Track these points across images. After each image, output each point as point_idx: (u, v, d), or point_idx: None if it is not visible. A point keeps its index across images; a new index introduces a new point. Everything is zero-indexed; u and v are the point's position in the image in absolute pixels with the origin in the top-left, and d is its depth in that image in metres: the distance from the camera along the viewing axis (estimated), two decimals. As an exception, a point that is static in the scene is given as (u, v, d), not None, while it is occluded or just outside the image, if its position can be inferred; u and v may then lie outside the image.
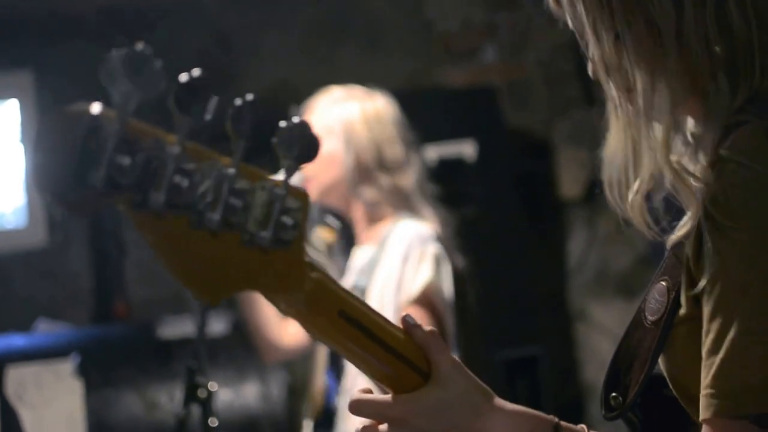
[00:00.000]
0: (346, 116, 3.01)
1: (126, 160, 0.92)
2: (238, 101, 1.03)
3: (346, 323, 1.17)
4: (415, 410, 1.24)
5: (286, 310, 1.13)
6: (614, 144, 1.40)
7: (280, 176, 1.03)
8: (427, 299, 2.88)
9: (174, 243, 0.98)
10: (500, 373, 4.62)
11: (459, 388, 1.26)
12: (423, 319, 2.85)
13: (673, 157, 1.36)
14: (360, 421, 2.83)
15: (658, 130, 1.35)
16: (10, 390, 4.32)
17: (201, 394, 3.06)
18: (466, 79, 5.61)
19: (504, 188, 4.95)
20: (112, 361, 4.47)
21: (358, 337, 1.18)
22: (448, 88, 5.57)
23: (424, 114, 4.65)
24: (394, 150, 3.01)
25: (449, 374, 1.25)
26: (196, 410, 3.09)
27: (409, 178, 3.02)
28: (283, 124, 1.06)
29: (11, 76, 5.43)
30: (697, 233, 1.28)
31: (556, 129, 5.52)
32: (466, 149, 4.82)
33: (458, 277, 3.01)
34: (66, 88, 4.22)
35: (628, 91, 1.35)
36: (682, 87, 1.33)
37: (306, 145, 1.06)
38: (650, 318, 1.38)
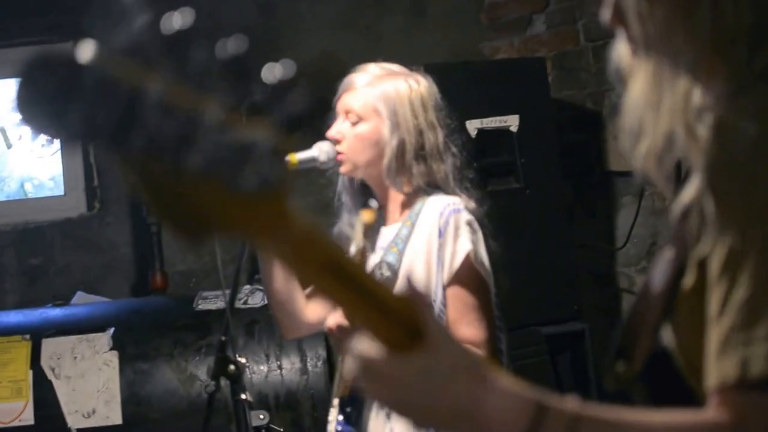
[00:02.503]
0: (393, 97, 2.96)
1: (106, 99, 0.94)
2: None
3: (332, 274, 1.14)
4: (404, 371, 1.18)
5: (271, 256, 1.12)
6: (636, 94, 1.39)
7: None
8: (470, 271, 2.86)
9: (156, 184, 0.99)
10: (544, 347, 4.54)
11: (451, 357, 1.20)
12: (468, 292, 2.85)
13: (689, 117, 1.34)
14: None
15: (680, 85, 1.34)
16: (45, 362, 4.31)
17: (230, 368, 3.00)
18: (514, 51, 5.53)
19: (550, 160, 4.88)
20: (149, 333, 4.44)
21: (346, 290, 1.15)
22: (495, 59, 5.50)
23: (470, 86, 4.61)
24: (435, 137, 2.97)
25: (442, 342, 1.20)
26: (226, 384, 3.04)
27: (447, 165, 2.98)
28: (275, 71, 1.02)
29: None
30: (700, 199, 1.25)
31: (604, 101, 5.41)
32: (512, 121, 4.74)
33: (491, 258, 2.95)
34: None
35: (655, 42, 1.34)
36: (708, 43, 1.31)
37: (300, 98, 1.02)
38: (656, 288, 1.36)
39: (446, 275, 2.84)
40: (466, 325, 2.82)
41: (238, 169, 0.98)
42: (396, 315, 1.18)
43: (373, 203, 3.00)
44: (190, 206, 1.00)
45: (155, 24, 0.97)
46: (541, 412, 1.19)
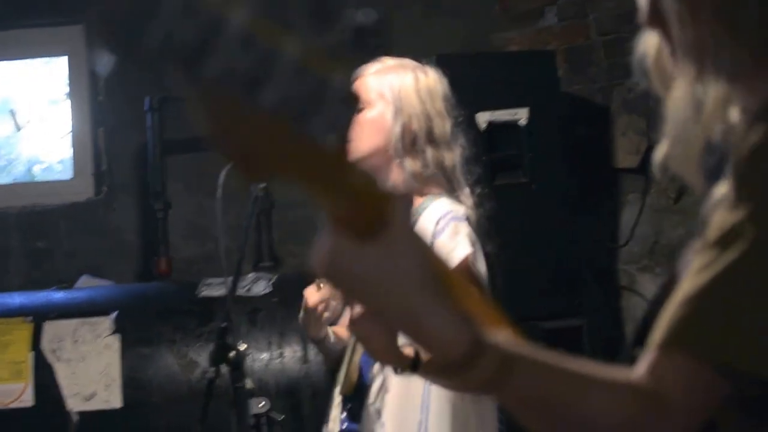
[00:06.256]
0: (398, 84, 2.98)
1: (186, 21, 0.91)
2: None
3: (380, 226, 1.12)
4: (356, 258, 1.13)
5: (324, 207, 1.10)
6: (678, 98, 1.38)
7: None
8: (467, 271, 2.82)
9: (223, 116, 0.97)
10: (541, 342, 4.53)
11: (405, 260, 1.15)
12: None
13: (730, 120, 1.33)
14: (393, 393, 2.77)
15: (720, 91, 1.33)
16: (47, 344, 4.32)
17: (230, 355, 3.01)
18: (525, 43, 5.52)
19: (557, 155, 4.86)
20: (151, 318, 4.46)
21: (353, 200, 1.11)
22: (507, 51, 5.49)
23: (480, 77, 4.60)
24: (443, 125, 2.97)
25: (403, 241, 1.15)
26: (227, 370, 3.05)
27: (454, 156, 2.98)
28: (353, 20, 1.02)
29: (61, 32, 5.41)
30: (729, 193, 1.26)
31: (613, 96, 5.40)
32: (521, 114, 4.73)
33: (488, 263, 2.93)
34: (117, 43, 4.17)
35: (696, 47, 1.32)
36: (751, 52, 1.29)
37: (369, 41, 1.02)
38: (682, 279, 1.34)
39: None
40: None
41: (310, 113, 0.97)
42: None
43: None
44: (253, 143, 0.98)
45: None
46: (477, 347, 1.18)
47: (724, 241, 1.21)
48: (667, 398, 1.21)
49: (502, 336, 1.22)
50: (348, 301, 1.21)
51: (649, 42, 1.41)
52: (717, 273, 1.20)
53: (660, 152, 1.42)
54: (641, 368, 1.24)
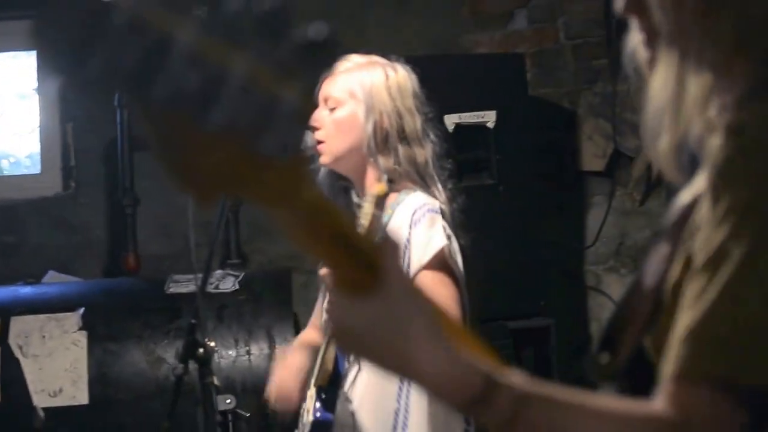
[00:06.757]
0: (369, 81, 2.98)
1: (132, 43, 0.91)
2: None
3: (340, 246, 1.13)
4: (358, 314, 1.17)
5: (278, 223, 1.10)
6: (657, 88, 1.35)
7: None
8: (443, 263, 2.84)
9: (173, 138, 0.96)
10: (509, 342, 4.56)
11: (406, 309, 1.18)
12: (442, 281, 2.82)
13: (709, 113, 1.31)
14: (360, 391, 2.79)
15: (702, 80, 1.30)
16: (13, 340, 4.31)
17: (199, 351, 3.02)
18: (494, 46, 5.54)
19: (524, 157, 4.88)
20: (119, 314, 4.45)
21: (354, 262, 1.15)
22: (475, 53, 5.51)
23: (449, 79, 4.61)
24: (414, 122, 2.98)
25: (400, 291, 1.18)
26: (194, 367, 3.06)
27: (425, 153, 2.99)
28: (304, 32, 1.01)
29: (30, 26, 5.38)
30: (703, 199, 1.23)
31: (580, 100, 5.43)
32: (489, 116, 4.76)
33: (463, 256, 2.94)
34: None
35: (677, 35, 1.30)
36: (732, 40, 1.27)
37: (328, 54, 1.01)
38: (648, 283, 1.33)
39: (415, 265, 2.82)
40: None
41: (260, 131, 0.96)
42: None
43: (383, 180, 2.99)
44: (204, 163, 0.97)
45: None
46: (491, 386, 1.19)
47: (714, 265, 1.18)
48: (694, 428, 1.18)
49: (516, 374, 1.22)
50: (357, 357, 1.22)
51: (636, 38, 1.39)
52: (715, 299, 1.17)
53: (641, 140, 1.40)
54: (660, 401, 1.20)
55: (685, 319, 1.19)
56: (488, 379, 1.19)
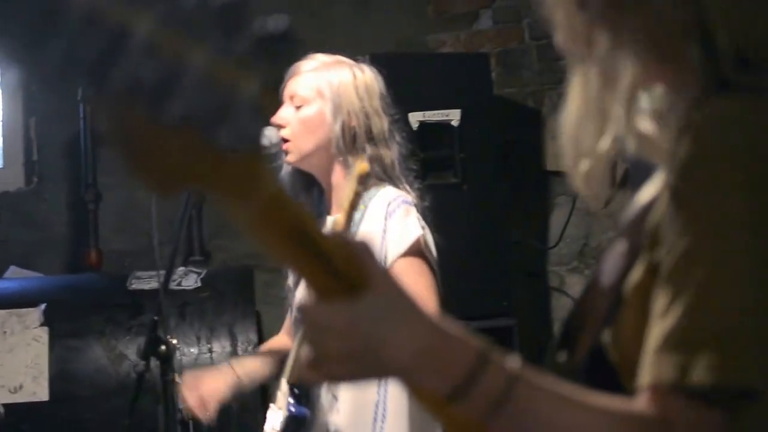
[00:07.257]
0: (336, 81, 2.97)
1: (89, 34, 0.90)
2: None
3: (297, 241, 1.11)
4: (355, 317, 1.15)
5: (237, 217, 1.09)
6: (574, 109, 1.33)
7: None
8: (420, 251, 2.85)
9: (130, 129, 0.95)
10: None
11: (401, 302, 1.18)
12: (419, 269, 2.84)
13: (641, 124, 1.30)
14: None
15: (622, 95, 1.28)
16: (-27, 335, 4.28)
17: (161, 348, 3.01)
18: (459, 45, 5.55)
19: (488, 156, 4.90)
20: (81, 310, 4.43)
21: (306, 255, 1.13)
22: (439, 52, 5.52)
23: (413, 77, 4.62)
24: (381, 123, 2.98)
25: (390, 287, 1.18)
26: (156, 364, 3.05)
27: (392, 154, 2.98)
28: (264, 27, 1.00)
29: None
30: (660, 200, 1.23)
31: (545, 100, 5.45)
32: (453, 115, 4.77)
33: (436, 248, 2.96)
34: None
35: (590, 54, 1.29)
36: (649, 52, 1.27)
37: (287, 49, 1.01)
38: (606, 281, 1.33)
39: (392, 254, 2.82)
40: None
41: (217, 124, 0.96)
42: (346, 272, 1.16)
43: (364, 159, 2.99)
44: (162, 156, 0.97)
45: None
46: (484, 362, 1.18)
47: (681, 273, 1.17)
48: (674, 426, 1.17)
49: (507, 355, 1.21)
50: (352, 371, 1.20)
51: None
52: (684, 309, 1.16)
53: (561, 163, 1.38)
54: (641, 402, 1.20)
55: (656, 329, 1.19)
56: (482, 355, 1.18)
